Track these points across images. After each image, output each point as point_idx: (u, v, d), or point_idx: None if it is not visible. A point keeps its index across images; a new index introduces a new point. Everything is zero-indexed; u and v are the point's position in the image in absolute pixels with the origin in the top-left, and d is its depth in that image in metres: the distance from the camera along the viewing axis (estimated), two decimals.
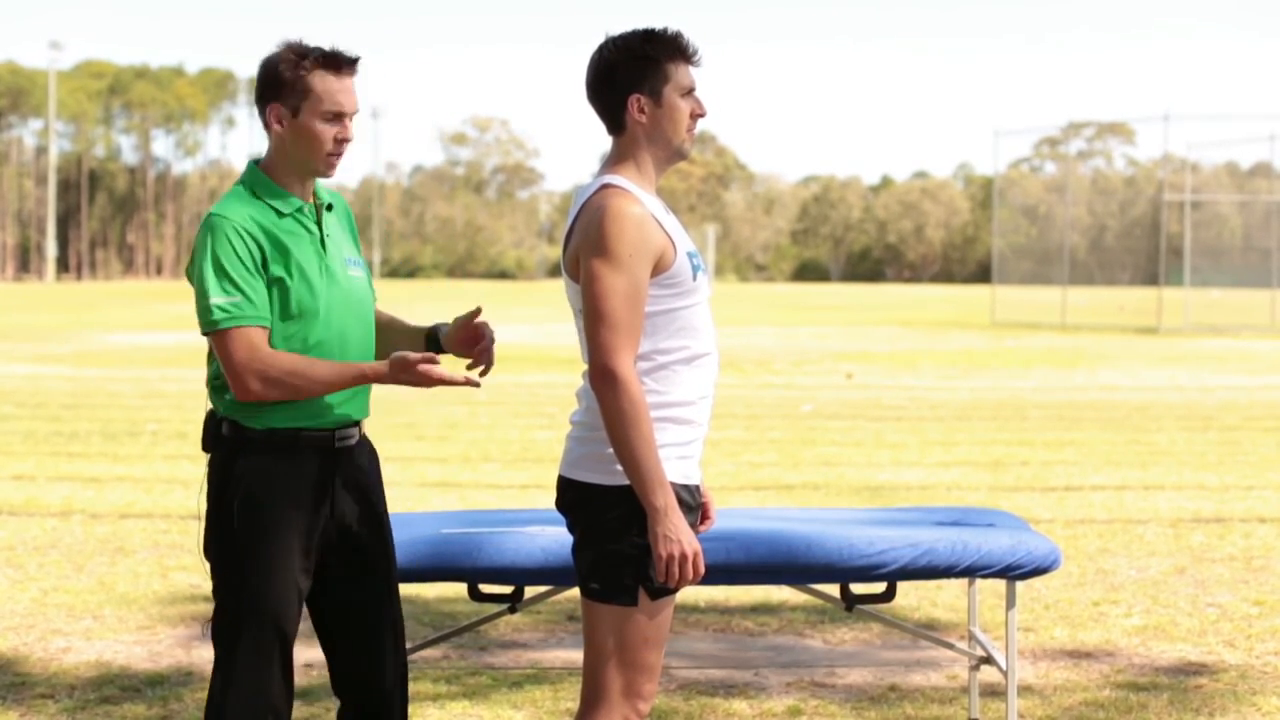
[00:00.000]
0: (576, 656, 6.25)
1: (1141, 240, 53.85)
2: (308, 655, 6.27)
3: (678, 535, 3.44)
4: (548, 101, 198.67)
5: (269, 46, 3.74)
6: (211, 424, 3.75)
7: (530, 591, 4.88)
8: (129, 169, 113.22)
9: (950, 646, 5.14)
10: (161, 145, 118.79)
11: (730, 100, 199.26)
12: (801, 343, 30.16)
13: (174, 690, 5.73)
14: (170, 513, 9.70)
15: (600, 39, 3.61)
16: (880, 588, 4.82)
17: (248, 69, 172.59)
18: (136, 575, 7.83)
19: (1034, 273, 46.35)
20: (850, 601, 4.79)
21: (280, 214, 3.70)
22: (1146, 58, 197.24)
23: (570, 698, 5.63)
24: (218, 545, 3.72)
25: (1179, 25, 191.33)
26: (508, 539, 4.60)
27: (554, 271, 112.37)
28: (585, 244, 3.47)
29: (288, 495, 3.70)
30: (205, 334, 3.64)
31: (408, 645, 5.13)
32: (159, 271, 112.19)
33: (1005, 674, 4.77)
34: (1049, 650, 6.42)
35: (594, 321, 3.45)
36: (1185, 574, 7.98)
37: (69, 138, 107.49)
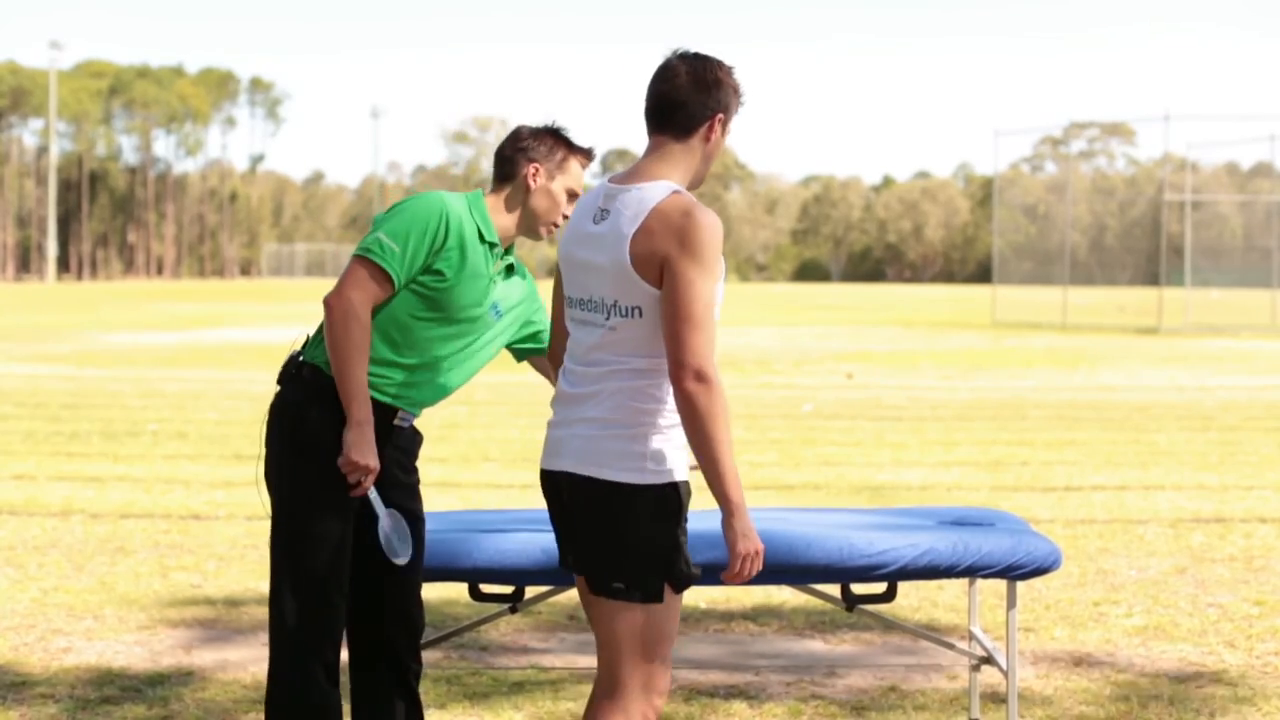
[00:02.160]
0: (577, 657, 6.25)
1: (1142, 240, 53.84)
2: None
3: (751, 532, 3.62)
4: (548, 101, 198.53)
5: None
6: (292, 364, 4.18)
7: (531, 592, 4.88)
8: (130, 169, 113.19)
9: (951, 647, 5.14)
10: (162, 145, 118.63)
11: None
12: (802, 343, 30.16)
13: (174, 690, 5.73)
14: (171, 513, 9.70)
15: (674, 48, 3.83)
16: (881, 588, 4.82)
17: (249, 69, 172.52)
18: (137, 575, 7.83)
19: (1034, 273, 46.35)
20: (851, 602, 4.79)
21: (481, 239, 4.12)
22: (1147, 58, 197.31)
23: (571, 698, 5.63)
24: (288, 480, 4.12)
25: (1179, 25, 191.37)
26: (508, 539, 4.61)
27: (554, 270, 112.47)
28: (677, 248, 3.56)
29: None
30: (354, 253, 4.04)
31: None
32: (160, 271, 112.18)
33: (1006, 674, 4.77)
34: (1049, 650, 6.42)
35: (686, 324, 3.54)
36: (1186, 574, 7.98)
37: (70, 137, 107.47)
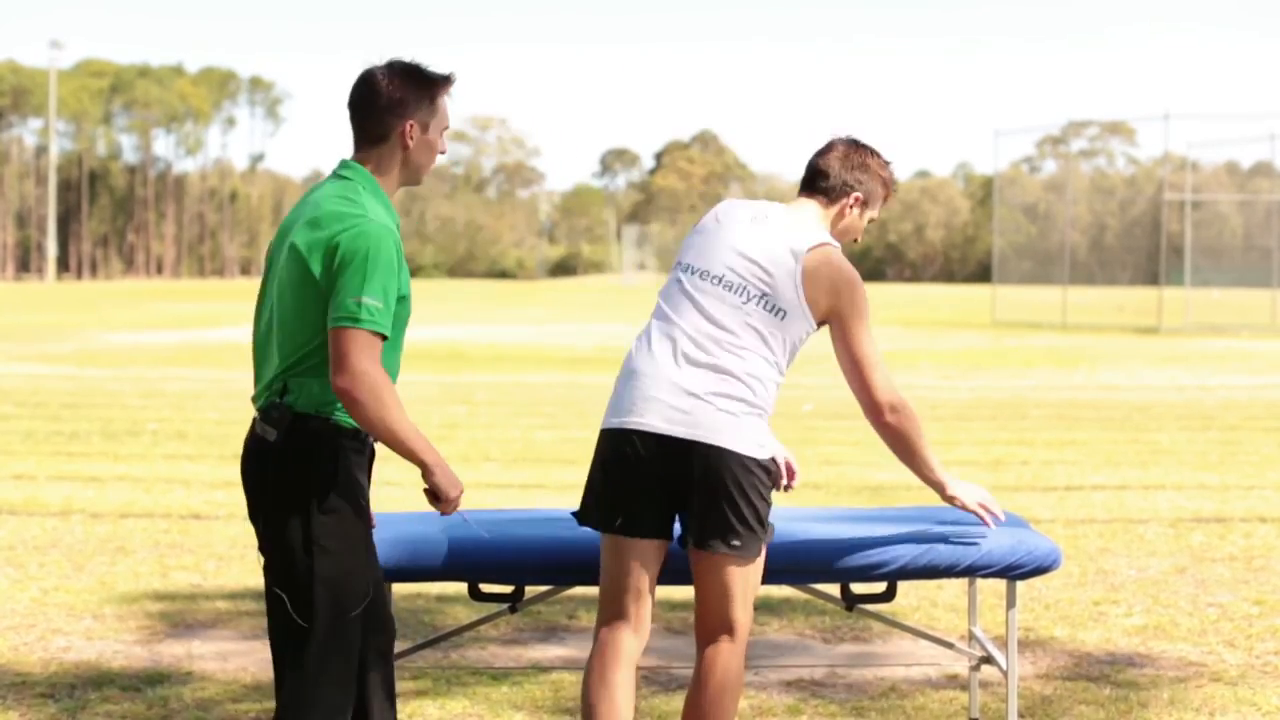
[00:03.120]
0: (577, 655, 6.25)
1: (1142, 240, 53.84)
2: None
3: (963, 490, 4.57)
4: (548, 101, 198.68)
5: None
6: (290, 417, 3.70)
7: (531, 591, 4.88)
8: (130, 168, 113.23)
9: (950, 646, 5.14)
10: (162, 144, 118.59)
11: (731, 100, 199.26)
12: None
13: (174, 690, 5.73)
14: (171, 512, 9.70)
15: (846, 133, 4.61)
16: (880, 587, 4.82)
17: (249, 68, 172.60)
18: (137, 575, 7.83)
19: (1034, 272, 46.35)
20: (850, 601, 4.79)
21: (395, 225, 3.82)
22: (1147, 57, 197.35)
23: (571, 697, 5.63)
24: (322, 536, 3.71)
25: (1179, 25, 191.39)
26: (508, 539, 4.61)
27: (554, 270, 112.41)
28: (847, 305, 4.29)
29: (365, 493, 3.83)
30: (338, 326, 3.62)
31: (409, 645, 5.14)
32: (159, 271, 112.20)
33: (1005, 673, 4.77)
34: (1049, 650, 6.42)
35: (867, 368, 4.30)
36: (1186, 574, 7.98)
37: (70, 137, 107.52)
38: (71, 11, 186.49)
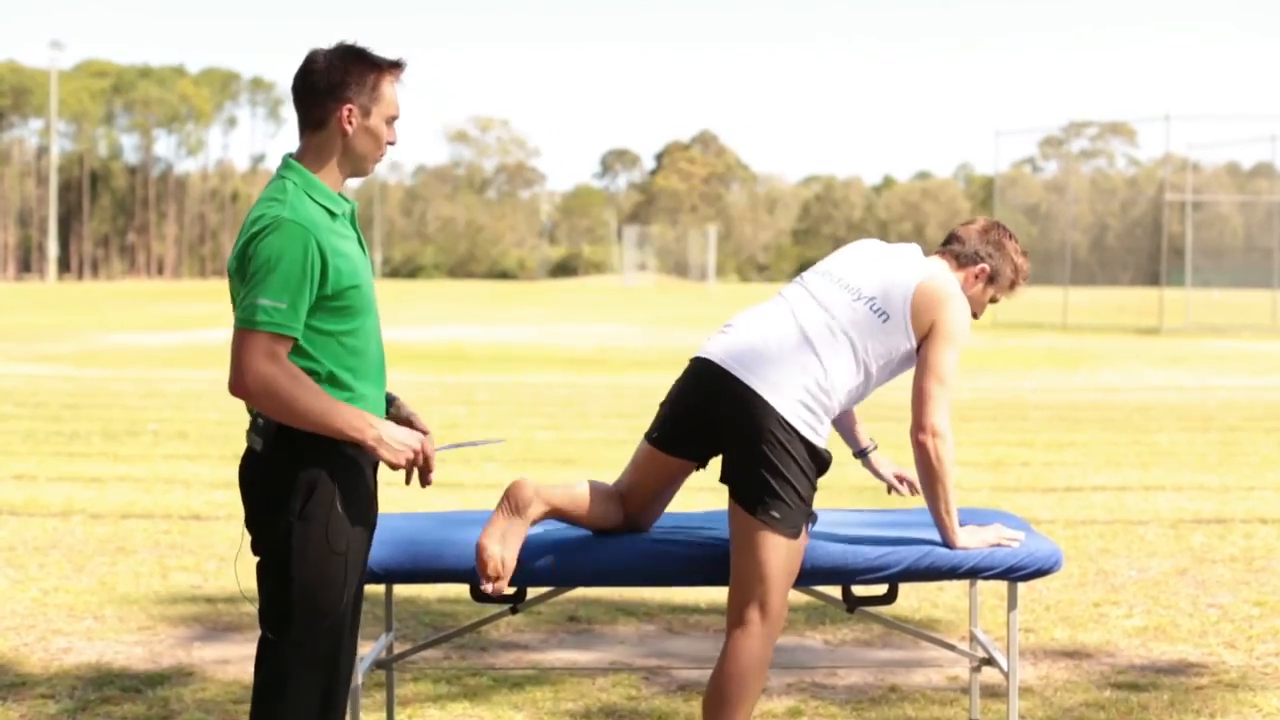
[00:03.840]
0: (577, 657, 6.25)
1: (1143, 240, 53.86)
2: None
3: (973, 538, 4.55)
4: (549, 101, 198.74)
5: (305, 45, 3.70)
6: (274, 426, 3.62)
7: (532, 592, 4.87)
8: (131, 169, 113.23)
9: (951, 647, 5.13)
10: (163, 145, 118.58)
11: (732, 100, 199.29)
12: None
13: (174, 690, 5.73)
14: (171, 513, 9.70)
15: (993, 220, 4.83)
16: (882, 589, 4.82)
17: (250, 68, 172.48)
18: (137, 575, 7.83)
19: (1035, 273, 46.24)
20: (852, 603, 4.79)
21: (332, 215, 3.67)
22: (1148, 58, 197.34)
23: (571, 698, 5.63)
24: (304, 547, 3.63)
25: (1180, 25, 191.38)
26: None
27: (554, 271, 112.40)
28: (944, 322, 4.49)
29: (363, 500, 3.73)
30: (236, 327, 3.55)
31: (410, 645, 5.14)
32: (160, 271, 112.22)
33: (1006, 675, 4.77)
34: (1050, 651, 6.42)
35: (936, 382, 4.47)
36: (1186, 575, 7.97)
37: (70, 137, 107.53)
38: (72, 12, 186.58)
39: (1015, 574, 4.61)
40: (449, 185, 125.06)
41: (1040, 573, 4.62)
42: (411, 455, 3.68)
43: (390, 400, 3.96)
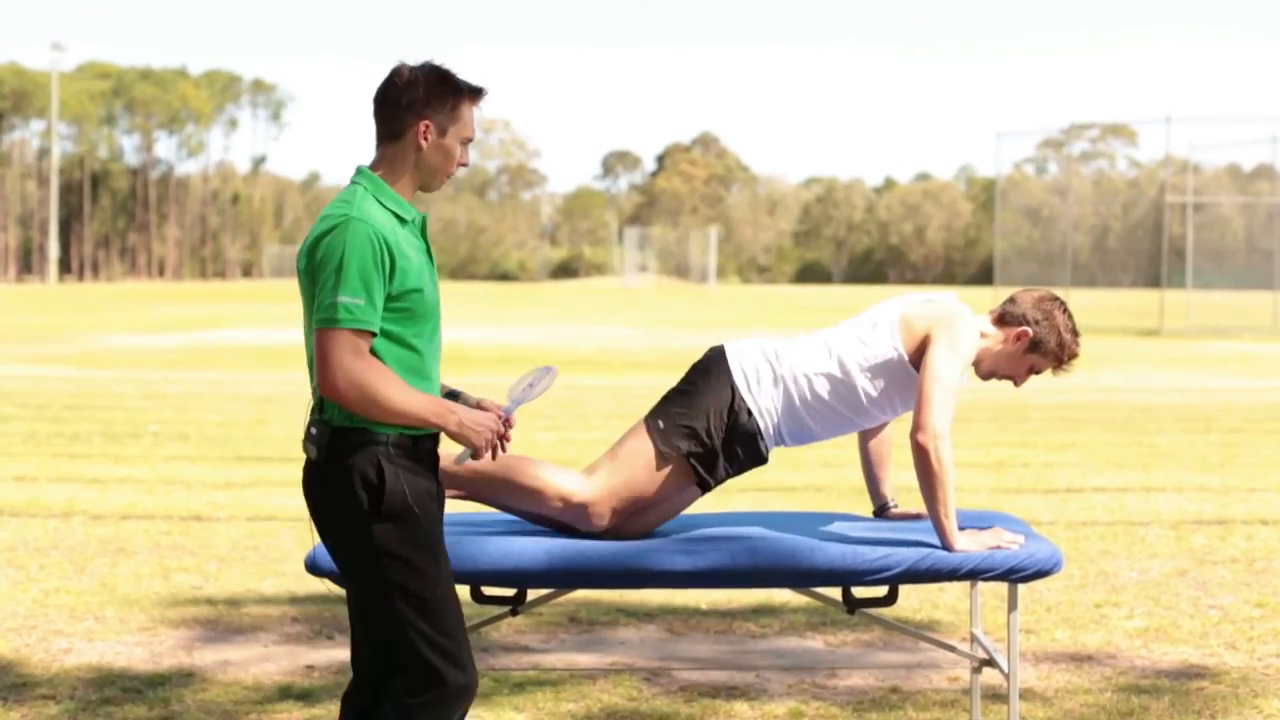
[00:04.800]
0: (578, 658, 6.25)
1: (1144, 242, 53.84)
2: (310, 657, 6.28)
3: (972, 542, 4.57)
4: (550, 103, 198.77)
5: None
6: (329, 433, 3.67)
7: (533, 594, 4.88)
8: (131, 170, 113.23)
9: (952, 649, 5.14)
10: (164, 147, 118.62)
11: (732, 102, 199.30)
12: None
13: (175, 691, 5.74)
14: (172, 514, 9.71)
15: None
16: (882, 591, 4.82)
17: (252, 70, 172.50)
18: (138, 576, 7.83)
19: (1036, 274, 46.34)
20: (852, 605, 4.79)
21: (402, 221, 3.76)
22: (1149, 59, 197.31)
23: (571, 699, 5.63)
24: (387, 543, 3.68)
25: (1181, 27, 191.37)
26: (510, 542, 4.61)
27: (555, 273, 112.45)
28: (944, 330, 4.68)
29: (429, 492, 3.78)
30: (318, 327, 3.62)
31: None
32: (161, 273, 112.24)
33: (1007, 676, 4.77)
34: (1051, 652, 6.42)
35: (937, 384, 4.58)
36: (1187, 576, 7.97)
37: (71, 139, 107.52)
38: (74, 13, 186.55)
39: (1016, 575, 4.62)
40: (450, 186, 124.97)
41: (1041, 574, 4.62)
42: (490, 435, 3.78)
43: (455, 394, 4.05)
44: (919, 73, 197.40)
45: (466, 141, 3.85)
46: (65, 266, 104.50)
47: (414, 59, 3.83)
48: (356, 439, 3.67)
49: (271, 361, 24.13)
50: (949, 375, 4.57)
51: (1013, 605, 4.70)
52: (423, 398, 3.68)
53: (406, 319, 3.71)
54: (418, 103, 3.75)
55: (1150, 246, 50.21)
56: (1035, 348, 4.82)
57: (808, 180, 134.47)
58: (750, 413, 4.67)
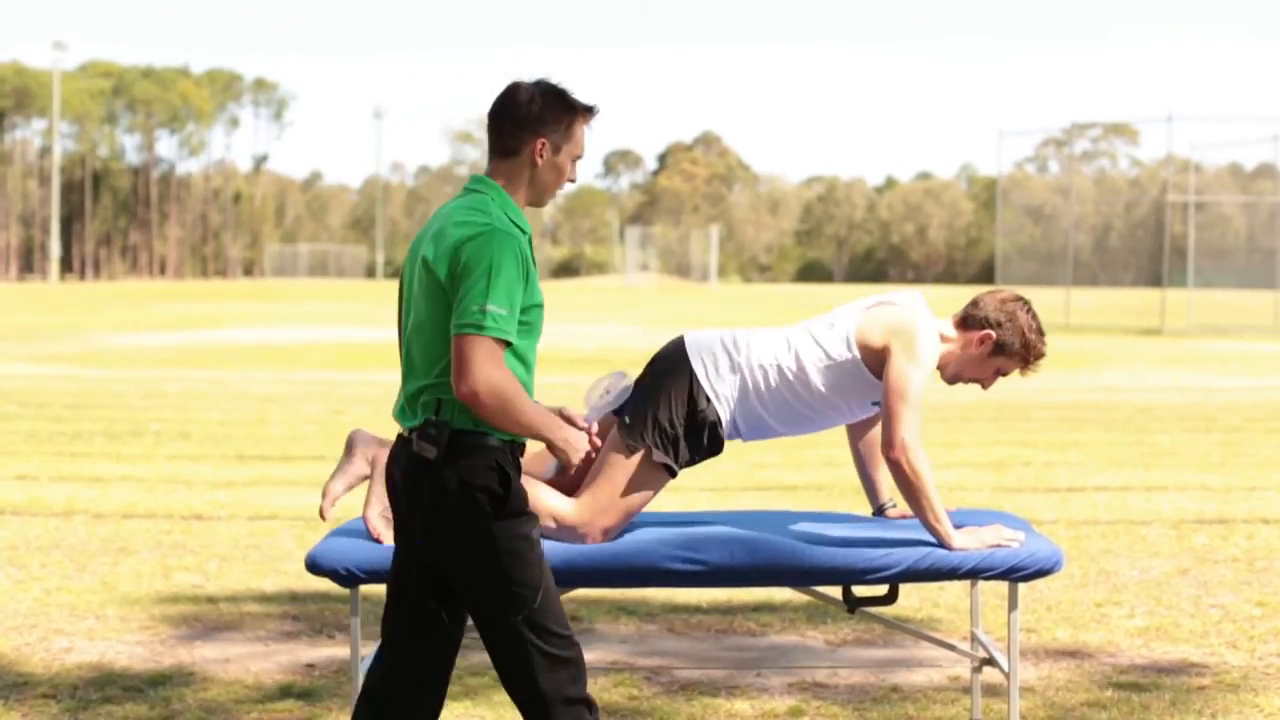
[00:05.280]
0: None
1: (1145, 241, 53.82)
2: (311, 655, 6.28)
3: (971, 539, 4.60)
4: None
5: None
6: (448, 433, 3.75)
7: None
8: (133, 169, 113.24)
9: (952, 648, 5.14)
10: (165, 145, 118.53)
11: (734, 101, 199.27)
12: None
13: (176, 690, 5.74)
14: (173, 513, 9.71)
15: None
16: (883, 590, 4.82)
17: (254, 69, 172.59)
18: (139, 575, 7.84)
19: (1037, 274, 46.31)
20: (852, 604, 4.79)
21: (522, 232, 3.87)
22: (1150, 58, 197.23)
23: None
24: (506, 540, 3.78)
25: (1183, 26, 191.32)
26: None
27: (556, 272, 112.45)
28: (901, 343, 4.70)
29: (524, 492, 3.88)
30: (461, 332, 3.68)
31: None
32: (163, 272, 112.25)
33: (1007, 675, 4.77)
34: (1051, 651, 6.42)
35: (901, 401, 4.60)
36: (1188, 575, 7.97)
37: (73, 138, 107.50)
38: (75, 12, 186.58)
39: (1016, 574, 4.62)
40: (451, 186, 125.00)
41: (1041, 573, 4.62)
42: (583, 452, 3.87)
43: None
44: (920, 72, 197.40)
45: (577, 159, 3.95)
46: (66, 265, 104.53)
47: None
48: (474, 442, 3.77)
49: (273, 360, 24.14)
50: (912, 388, 4.58)
51: (1013, 604, 4.70)
52: (543, 411, 3.80)
53: (526, 332, 3.83)
54: (534, 120, 3.87)
55: (1152, 245, 50.20)
56: (1000, 350, 4.79)
57: (809, 179, 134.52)
58: (709, 399, 4.71)
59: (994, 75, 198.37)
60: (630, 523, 4.78)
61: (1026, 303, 4.84)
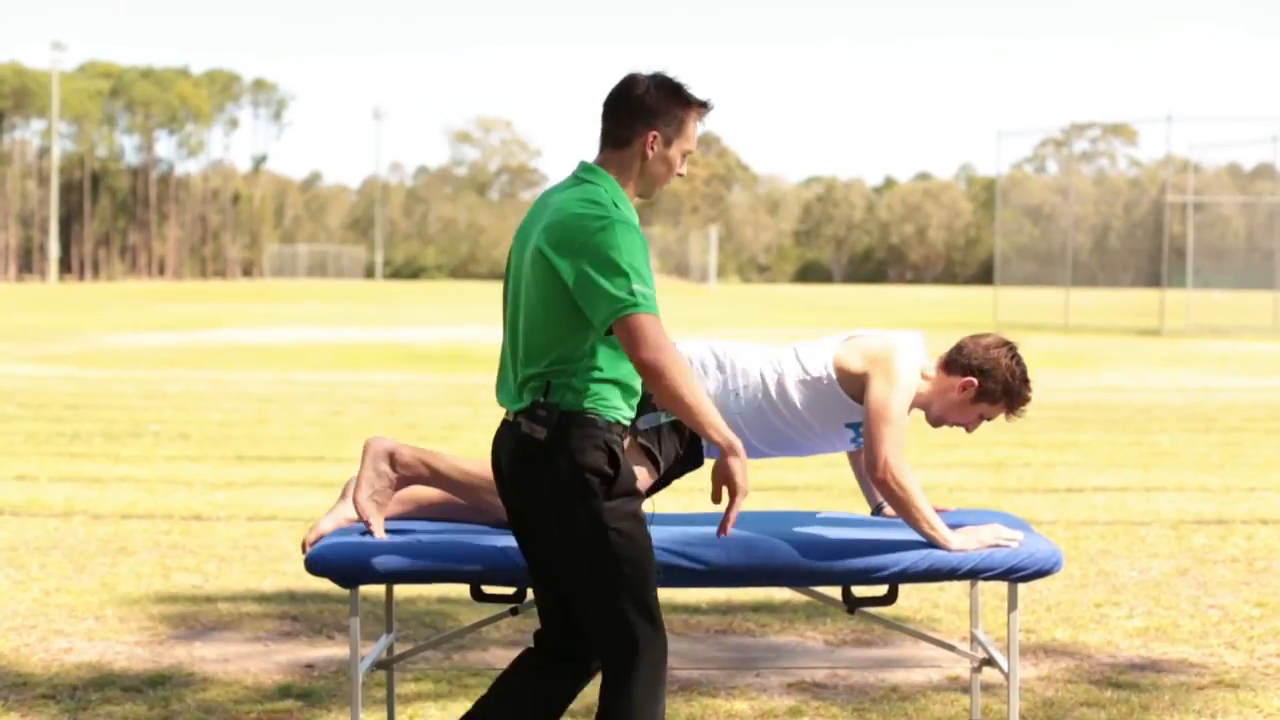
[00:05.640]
0: None
1: (1144, 241, 53.81)
2: (310, 656, 6.28)
3: (970, 538, 4.60)
4: (551, 103, 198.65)
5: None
6: (558, 414, 3.82)
7: (533, 593, 4.87)
8: (132, 170, 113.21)
9: (952, 648, 5.14)
10: (164, 146, 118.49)
11: (733, 101, 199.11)
12: None
13: (175, 690, 5.74)
14: (172, 513, 9.71)
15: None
16: (882, 590, 4.82)
17: (253, 70, 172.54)
18: (138, 576, 7.84)
19: (1037, 274, 46.33)
20: (852, 604, 4.79)
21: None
22: (1149, 59, 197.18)
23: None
24: (614, 519, 3.84)
25: (1181, 26, 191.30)
26: (511, 541, 4.60)
27: None
28: (880, 365, 4.70)
29: (634, 478, 3.94)
30: (616, 316, 3.74)
31: (411, 645, 5.15)
32: (161, 272, 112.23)
33: (1007, 676, 4.77)
34: (1051, 652, 6.42)
35: (882, 421, 4.61)
36: (1187, 575, 7.97)
37: (72, 138, 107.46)
38: (74, 12, 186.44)
39: (1015, 575, 4.62)
40: (450, 186, 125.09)
41: (1040, 573, 4.62)
42: (746, 491, 3.88)
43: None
44: (919, 72, 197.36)
45: (686, 154, 3.99)
46: (65, 266, 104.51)
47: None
48: (584, 423, 3.83)
49: (272, 360, 24.13)
50: (890, 409, 4.58)
51: (1013, 605, 4.70)
52: (712, 405, 3.84)
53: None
54: (648, 112, 3.91)
55: (1151, 246, 50.19)
56: (983, 396, 4.78)
57: (808, 180, 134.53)
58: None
59: (993, 75, 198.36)
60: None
61: (1013, 348, 4.81)
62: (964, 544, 4.55)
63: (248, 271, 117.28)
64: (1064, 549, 8.35)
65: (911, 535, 4.69)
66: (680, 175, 4.02)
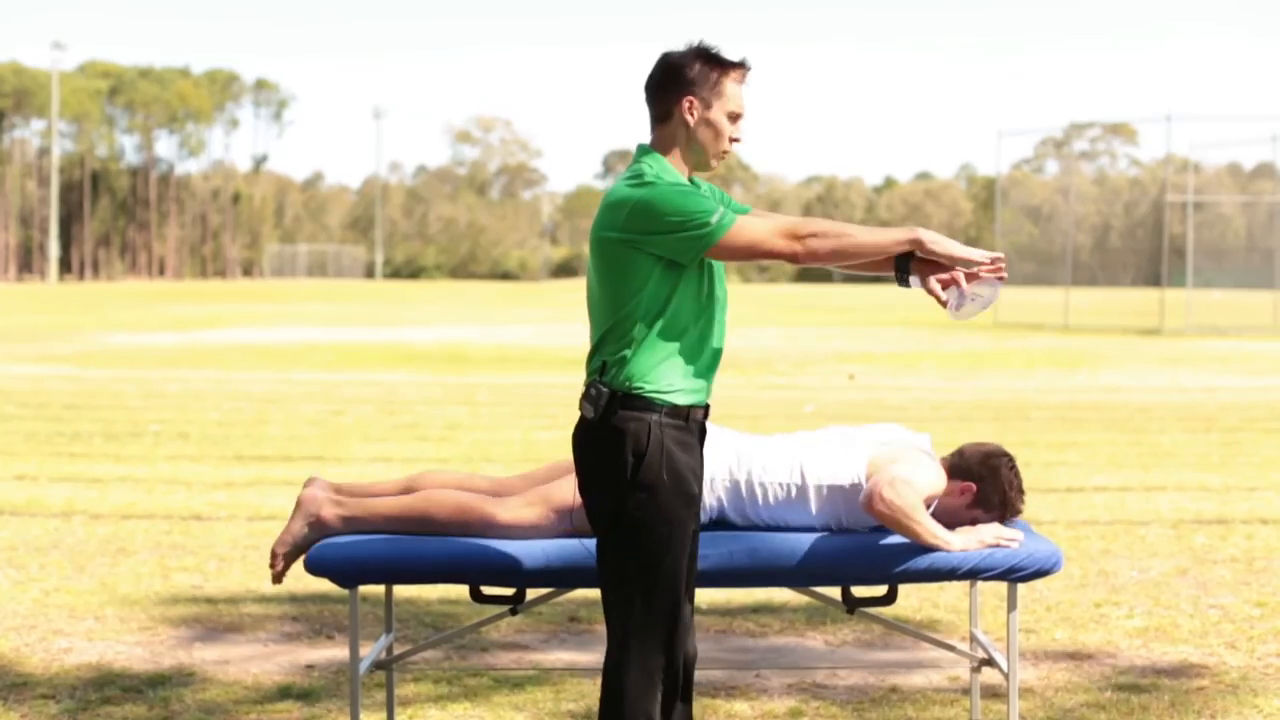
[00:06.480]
0: (578, 658, 6.25)
1: (1144, 241, 53.86)
2: (310, 656, 6.28)
3: (971, 540, 4.64)
4: (551, 103, 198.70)
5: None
6: (608, 394, 3.88)
7: (532, 594, 4.88)
8: (132, 169, 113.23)
9: (951, 648, 5.14)
10: (164, 146, 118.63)
11: None
12: (804, 343, 30.15)
13: (175, 691, 5.74)
14: (172, 513, 9.71)
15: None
16: (882, 590, 4.82)
17: (254, 70, 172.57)
18: (138, 576, 7.83)
19: (1037, 274, 46.33)
20: (851, 604, 4.79)
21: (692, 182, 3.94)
22: (1149, 58, 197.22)
23: (571, 698, 5.63)
24: (635, 509, 3.85)
25: (1182, 26, 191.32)
26: (510, 541, 4.61)
27: (556, 272, 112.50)
28: (897, 461, 4.80)
29: (691, 468, 3.91)
30: (709, 247, 3.79)
31: (410, 646, 5.15)
32: (162, 272, 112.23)
33: (1006, 676, 4.77)
34: (1050, 652, 6.42)
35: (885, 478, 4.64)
36: (1187, 575, 7.97)
37: (72, 138, 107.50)
38: (74, 12, 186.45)
39: (1015, 575, 4.62)
40: (450, 186, 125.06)
41: (1040, 573, 4.63)
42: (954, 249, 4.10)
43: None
44: (919, 71, 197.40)
45: (735, 118, 3.94)
46: (65, 265, 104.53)
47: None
48: (632, 404, 3.86)
49: (272, 361, 24.13)
50: (897, 475, 4.59)
51: (1012, 605, 4.70)
52: (880, 231, 3.92)
53: (698, 279, 3.89)
54: (680, 81, 3.90)
55: (1151, 245, 50.22)
56: (979, 503, 4.85)
57: (808, 179, 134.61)
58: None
59: (993, 75, 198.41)
60: None
61: (1009, 460, 4.91)
62: (965, 544, 4.56)
63: (248, 271, 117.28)
64: (1064, 549, 8.36)
65: None
66: (737, 141, 3.97)
